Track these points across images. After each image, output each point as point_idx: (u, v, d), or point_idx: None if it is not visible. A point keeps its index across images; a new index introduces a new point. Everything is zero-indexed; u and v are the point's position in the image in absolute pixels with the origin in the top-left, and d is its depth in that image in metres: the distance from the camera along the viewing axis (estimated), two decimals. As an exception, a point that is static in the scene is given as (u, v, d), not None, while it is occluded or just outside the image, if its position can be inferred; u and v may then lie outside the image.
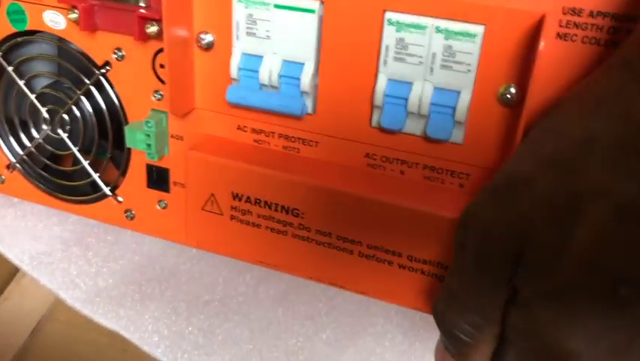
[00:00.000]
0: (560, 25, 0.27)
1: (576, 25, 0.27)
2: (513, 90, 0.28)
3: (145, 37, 0.33)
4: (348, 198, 0.32)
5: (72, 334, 0.55)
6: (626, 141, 0.22)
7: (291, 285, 0.48)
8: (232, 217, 0.34)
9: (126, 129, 0.36)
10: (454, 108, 0.29)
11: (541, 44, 0.26)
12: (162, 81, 0.35)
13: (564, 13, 0.27)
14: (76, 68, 0.37)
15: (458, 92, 0.29)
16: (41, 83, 0.40)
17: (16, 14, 0.37)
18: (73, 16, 0.34)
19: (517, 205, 0.25)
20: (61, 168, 0.42)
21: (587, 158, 0.23)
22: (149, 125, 0.35)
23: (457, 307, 0.28)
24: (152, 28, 0.33)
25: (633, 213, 0.22)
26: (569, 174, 0.23)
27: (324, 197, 0.32)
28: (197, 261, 0.49)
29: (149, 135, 0.35)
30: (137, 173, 0.39)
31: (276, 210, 0.33)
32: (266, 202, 0.33)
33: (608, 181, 0.22)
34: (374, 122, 0.32)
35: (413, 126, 0.31)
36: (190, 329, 0.46)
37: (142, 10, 0.32)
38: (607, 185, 0.22)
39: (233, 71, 0.33)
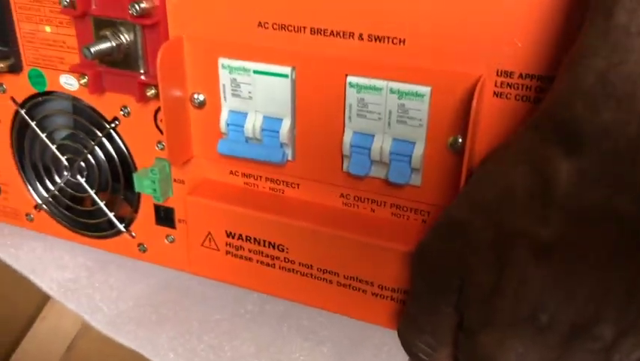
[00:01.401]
0: (496, 86, 0.31)
1: (509, 86, 0.31)
2: (460, 140, 0.32)
3: (146, 99, 0.38)
4: (325, 236, 0.36)
5: (104, 350, 0.61)
6: (536, 192, 0.26)
7: (295, 303, 0.52)
8: (227, 252, 0.39)
9: (134, 177, 0.41)
10: (410, 157, 0.33)
11: (474, 103, 0.30)
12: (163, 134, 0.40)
13: (498, 75, 0.31)
14: (89, 123, 0.43)
15: (413, 143, 0.33)
16: (60, 135, 0.45)
17: (36, 78, 0.43)
18: (84, 81, 0.39)
19: (456, 244, 0.29)
20: (81, 208, 0.47)
21: (508, 205, 0.27)
22: (154, 172, 0.40)
23: (414, 328, 0.32)
24: (152, 92, 0.38)
25: (547, 254, 0.26)
26: (495, 219, 0.27)
27: (305, 235, 0.37)
28: (209, 284, 0.54)
29: (153, 182, 0.40)
30: (147, 212, 0.44)
31: (264, 246, 0.38)
32: (255, 239, 0.38)
33: (525, 226, 0.26)
34: (345, 168, 0.36)
35: (378, 171, 0.35)
36: (202, 346, 0.51)
37: (142, 77, 0.37)
38: (524, 230, 0.26)
39: (223, 126, 0.37)
